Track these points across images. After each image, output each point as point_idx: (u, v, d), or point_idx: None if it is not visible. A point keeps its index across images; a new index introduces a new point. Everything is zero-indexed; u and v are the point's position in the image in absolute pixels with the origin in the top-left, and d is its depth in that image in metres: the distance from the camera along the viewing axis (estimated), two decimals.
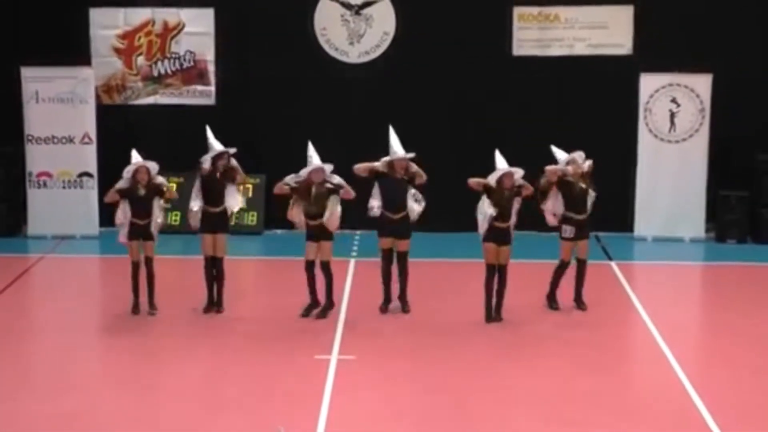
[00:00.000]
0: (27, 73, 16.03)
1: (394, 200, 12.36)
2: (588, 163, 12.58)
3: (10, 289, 13.69)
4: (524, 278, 13.24)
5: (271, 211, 16.20)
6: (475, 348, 11.55)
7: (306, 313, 12.40)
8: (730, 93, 16.00)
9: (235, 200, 12.62)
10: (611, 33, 16.26)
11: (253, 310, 12.81)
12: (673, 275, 14.86)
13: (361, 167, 12.43)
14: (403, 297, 12.61)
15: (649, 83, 16.12)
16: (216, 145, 12.50)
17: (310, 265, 12.32)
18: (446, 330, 12.10)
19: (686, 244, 16.19)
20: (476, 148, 16.38)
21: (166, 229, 16.28)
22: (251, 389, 10.33)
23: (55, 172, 16.21)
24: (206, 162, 12.49)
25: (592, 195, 12.59)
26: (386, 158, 12.38)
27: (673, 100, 16.15)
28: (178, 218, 16.46)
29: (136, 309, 12.52)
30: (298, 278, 12.48)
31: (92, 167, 16.05)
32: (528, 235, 14.14)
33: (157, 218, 12.49)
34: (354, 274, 14.32)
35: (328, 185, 12.25)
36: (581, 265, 12.67)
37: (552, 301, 12.71)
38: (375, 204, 12.42)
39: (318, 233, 12.26)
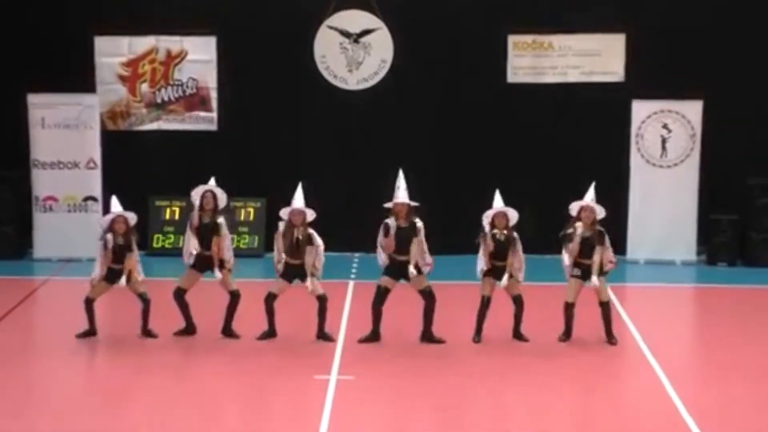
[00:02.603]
0: (33, 99, 16.30)
1: (400, 245, 12.36)
2: (599, 211, 12.46)
3: (17, 311, 13.89)
4: (531, 299, 13.44)
5: (272, 235, 16.42)
6: (472, 368, 11.71)
7: (262, 338, 12.54)
8: (720, 119, 16.25)
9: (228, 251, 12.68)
10: (604, 61, 16.54)
11: (253, 331, 12.90)
12: (664, 297, 15.06)
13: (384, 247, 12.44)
14: (428, 336, 12.49)
15: (640, 109, 16.38)
16: (208, 184, 12.60)
17: (271, 298, 12.48)
18: (444, 350, 12.26)
19: (678, 266, 16.39)
20: (472, 172, 16.73)
21: (172, 252, 16.59)
22: (251, 408, 10.49)
23: (60, 196, 16.46)
24: (195, 195, 12.61)
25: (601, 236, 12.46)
26: (389, 204, 12.41)
27: (665, 126, 16.41)
28: (180, 241, 16.69)
29: (85, 335, 12.56)
30: (298, 301, 12.66)
31: (97, 192, 16.29)
32: (536, 259, 14.36)
33: (136, 271, 12.56)
34: (353, 296, 14.51)
35: (308, 233, 12.35)
36: (605, 308, 12.49)
37: (565, 334, 12.63)
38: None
39: (295, 274, 12.43)
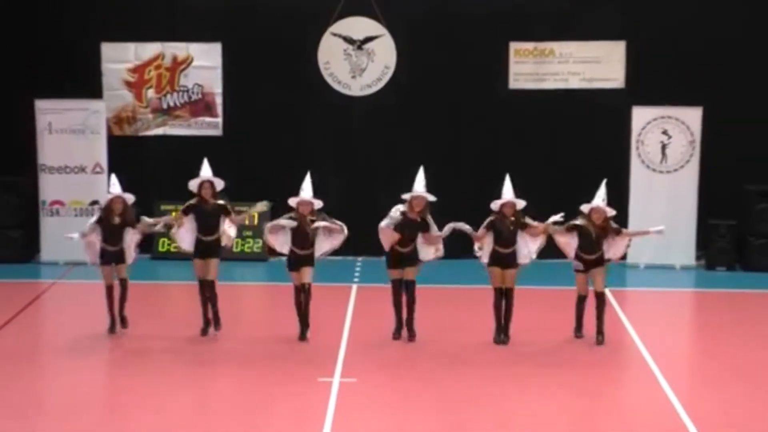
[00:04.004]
0: (41, 105, 16.48)
1: (407, 238, 12.54)
2: (610, 212, 12.61)
3: (24, 313, 14.02)
4: (533, 303, 13.56)
5: None
6: (476, 371, 11.77)
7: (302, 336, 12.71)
8: (719, 125, 16.39)
9: (228, 236, 12.80)
10: (604, 67, 16.69)
11: (257, 333, 13.09)
12: (664, 301, 15.16)
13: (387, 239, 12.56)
14: (409, 325, 12.75)
15: (640, 116, 16.51)
16: (203, 173, 12.75)
17: (298, 290, 12.60)
18: (447, 353, 12.33)
19: (677, 271, 16.53)
20: (474, 178, 16.88)
21: (177, 256, 16.75)
22: (254, 410, 10.56)
23: (67, 200, 16.64)
24: (193, 186, 12.77)
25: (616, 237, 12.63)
26: (406, 195, 12.55)
27: (665, 132, 16.54)
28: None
29: (112, 329, 12.86)
30: None
31: (103, 196, 16.46)
32: (538, 263, 14.45)
33: (130, 246, 12.79)
34: (356, 299, 14.62)
35: (316, 224, 12.47)
36: (599, 298, 12.60)
37: (577, 330, 12.81)
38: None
39: (301, 262, 12.51)
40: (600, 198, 12.57)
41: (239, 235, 16.68)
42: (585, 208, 12.60)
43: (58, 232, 16.46)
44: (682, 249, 16.57)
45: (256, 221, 16.96)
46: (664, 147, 16.58)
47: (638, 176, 16.60)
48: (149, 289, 13.75)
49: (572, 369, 11.92)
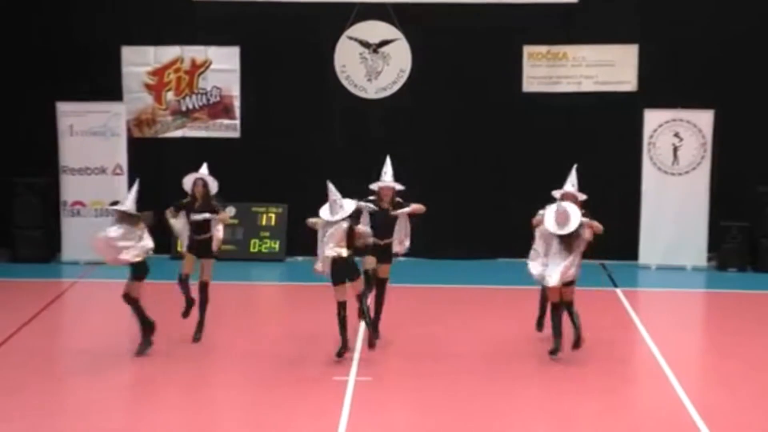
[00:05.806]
0: (62, 107, 16.70)
1: (382, 228, 12.47)
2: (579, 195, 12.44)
3: (46, 312, 14.21)
4: (535, 303, 13.72)
5: (293, 239, 16.80)
6: (488, 371, 11.84)
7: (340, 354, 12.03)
8: (730, 128, 16.46)
9: (217, 239, 12.66)
10: (617, 71, 16.79)
11: (273, 333, 13.22)
12: (676, 302, 15.24)
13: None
14: (375, 325, 12.43)
15: (653, 118, 16.60)
16: (199, 172, 12.73)
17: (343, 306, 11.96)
18: (462, 353, 12.42)
19: (689, 272, 16.61)
20: (488, 181, 17.04)
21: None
22: (270, 409, 10.67)
23: (88, 201, 16.88)
24: (186, 183, 12.76)
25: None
26: (374, 186, 12.64)
27: (676, 135, 16.64)
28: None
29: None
30: (318, 304, 12.87)
31: (123, 197, 16.67)
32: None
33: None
34: (371, 298, 14.80)
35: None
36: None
37: (539, 324, 12.78)
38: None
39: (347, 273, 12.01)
40: (570, 183, 12.49)
41: (256, 236, 16.96)
42: (556, 193, 12.44)
43: (79, 232, 16.75)
44: (694, 250, 16.65)
45: (273, 222, 17.18)
46: (675, 149, 16.67)
47: (650, 178, 16.69)
48: (169, 288, 13.82)
49: (583, 368, 11.99)
